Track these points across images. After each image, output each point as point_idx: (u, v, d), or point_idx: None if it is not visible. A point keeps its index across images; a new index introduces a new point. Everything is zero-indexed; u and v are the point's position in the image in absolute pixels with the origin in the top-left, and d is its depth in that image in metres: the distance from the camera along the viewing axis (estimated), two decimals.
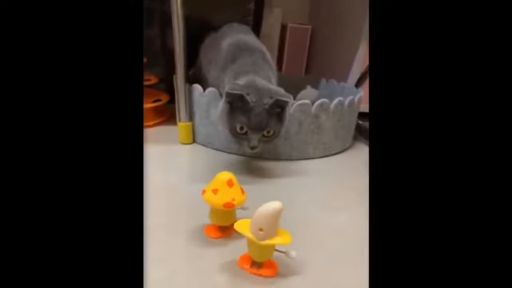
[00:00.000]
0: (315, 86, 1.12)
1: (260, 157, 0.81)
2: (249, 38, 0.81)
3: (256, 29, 1.19)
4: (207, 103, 0.80)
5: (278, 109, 0.64)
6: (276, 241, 0.42)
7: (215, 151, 0.83)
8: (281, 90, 0.65)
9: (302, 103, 0.76)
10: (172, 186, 0.60)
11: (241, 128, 0.64)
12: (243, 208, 0.52)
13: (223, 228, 0.52)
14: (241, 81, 0.67)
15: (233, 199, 0.48)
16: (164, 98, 1.00)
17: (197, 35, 0.88)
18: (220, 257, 0.48)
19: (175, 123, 0.89)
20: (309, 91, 1.07)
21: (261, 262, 0.45)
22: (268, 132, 0.64)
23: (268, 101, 0.62)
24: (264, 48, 0.79)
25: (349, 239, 0.54)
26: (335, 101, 0.80)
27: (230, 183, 0.48)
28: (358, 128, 0.98)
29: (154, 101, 0.97)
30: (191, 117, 0.85)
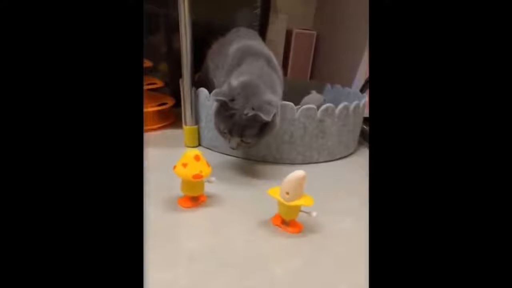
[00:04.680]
0: (320, 91, 1.12)
1: (264, 160, 0.81)
2: (256, 43, 0.82)
3: (262, 35, 1.20)
4: (212, 106, 0.81)
5: (258, 123, 0.64)
6: (300, 202, 0.52)
7: (220, 154, 0.84)
8: (268, 104, 0.64)
9: (308, 107, 0.77)
10: (177, 189, 0.61)
11: (224, 129, 0.67)
12: (209, 181, 0.60)
13: (194, 198, 0.60)
14: (237, 81, 0.67)
15: (201, 171, 0.56)
16: (170, 101, 1.01)
17: (203, 39, 0.89)
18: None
19: (180, 127, 0.90)
20: (314, 96, 1.07)
21: (289, 221, 0.55)
22: (246, 140, 0.66)
23: (248, 112, 0.63)
24: (270, 53, 0.80)
25: (352, 244, 0.54)
26: (340, 105, 0.80)
27: (197, 158, 0.57)
28: (363, 133, 0.99)
29: (160, 105, 0.98)
30: (196, 121, 0.85)
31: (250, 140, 0.66)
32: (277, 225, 0.56)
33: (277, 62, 0.80)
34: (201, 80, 0.92)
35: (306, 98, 1.05)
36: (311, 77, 1.39)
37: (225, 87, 0.66)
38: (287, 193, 0.51)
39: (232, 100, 0.64)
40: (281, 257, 0.50)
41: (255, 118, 0.63)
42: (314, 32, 1.36)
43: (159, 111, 0.97)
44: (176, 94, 1.00)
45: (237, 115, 0.63)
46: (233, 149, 0.69)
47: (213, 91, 0.68)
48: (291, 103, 0.77)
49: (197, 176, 0.56)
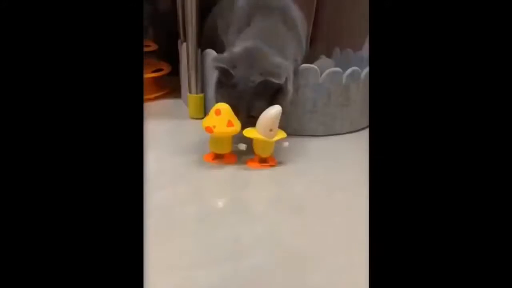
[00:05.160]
0: (329, 55, 1.03)
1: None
2: None
3: None
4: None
5: (269, 90, 0.55)
6: (281, 135, 0.57)
7: None
8: (279, 67, 0.55)
9: (333, 71, 0.68)
10: (182, 168, 0.55)
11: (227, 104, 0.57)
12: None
13: (219, 155, 0.60)
14: (240, 47, 0.58)
15: (214, 126, 0.55)
16: (166, 68, 0.89)
17: None
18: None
19: (178, 96, 0.80)
20: (323, 61, 0.98)
21: (267, 157, 0.59)
22: (256, 114, 0.56)
23: (256, 78, 0.53)
24: (288, 6, 0.69)
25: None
26: (366, 69, 0.72)
27: (217, 112, 0.55)
28: None
29: (154, 71, 0.86)
30: (202, 88, 0.74)
31: (260, 112, 0.56)
32: (254, 166, 0.58)
33: (299, 15, 0.69)
34: (206, 41, 0.80)
35: (315, 64, 0.95)
36: (312, 40, 1.28)
37: (226, 54, 0.57)
38: (271, 130, 0.54)
39: (234, 67, 0.54)
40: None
41: (265, 84, 0.53)
42: None
43: (154, 78, 0.85)
44: (170, 60, 0.88)
45: (242, 84, 0.54)
46: None
47: (212, 57, 0.58)
48: (314, 66, 0.67)
49: (208, 129, 0.55)
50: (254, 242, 0.41)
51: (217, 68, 0.56)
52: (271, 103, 0.56)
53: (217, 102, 0.58)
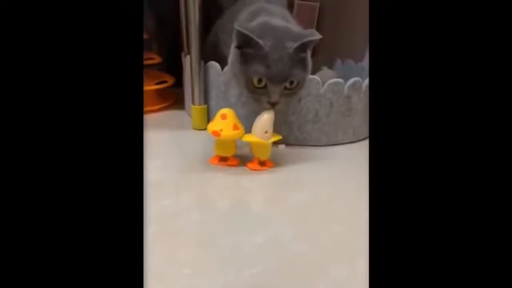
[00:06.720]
0: (330, 66, 1.04)
1: (283, 142, 0.72)
2: (272, 6, 0.71)
3: None
4: (225, 83, 0.71)
5: (302, 54, 0.55)
6: (276, 137, 0.59)
7: None
8: (305, 31, 0.56)
9: (335, 82, 0.68)
10: (186, 177, 0.54)
11: (259, 81, 0.54)
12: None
13: (224, 158, 0.62)
14: (253, 23, 0.58)
15: (221, 130, 0.57)
16: (169, 80, 0.90)
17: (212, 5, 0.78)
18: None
19: (182, 108, 0.80)
20: (325, 72, 0.99)
21: (265, 160, 0.61)
22: (291, 83, 0.55)
23: (292, 44, 0.52)
24: (287, 12, 0.70)
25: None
26: (367, 80, 0.72)
27: (223, 117, 0.58)
28: None
29: (158, 83, 0.87)
30: (205, 99, 0.75)
31: (299, 78, 0.55)
32: (254, 169, 0.60)
33: (295, 23, 0.70)
34: (208, 54, 0.81)
35: (317, 75, 0.96)
36: (313, 51, 1.30)
37: (242, 25, 0.54)
38: (266, 132, 0.57)
39: (260, 37, 0.52)
40: None
41: (303, 47, 0.53)
42: (317, 4, 1.26)
43: (158, 90, 0.86)
44: (173, 72, 0.89)
45: (275, 53, 0.52)
46: (274, 105, 0.56)
47: (236, 23, 0.54)
48: (316, 77, 0.68)
49: (215, 133, 0.57)
50: (256, 250, 0.41)
51: (242, 35, 0.52)
52: (303, 68, 0.56)
53: (247, 77, 0.54)
